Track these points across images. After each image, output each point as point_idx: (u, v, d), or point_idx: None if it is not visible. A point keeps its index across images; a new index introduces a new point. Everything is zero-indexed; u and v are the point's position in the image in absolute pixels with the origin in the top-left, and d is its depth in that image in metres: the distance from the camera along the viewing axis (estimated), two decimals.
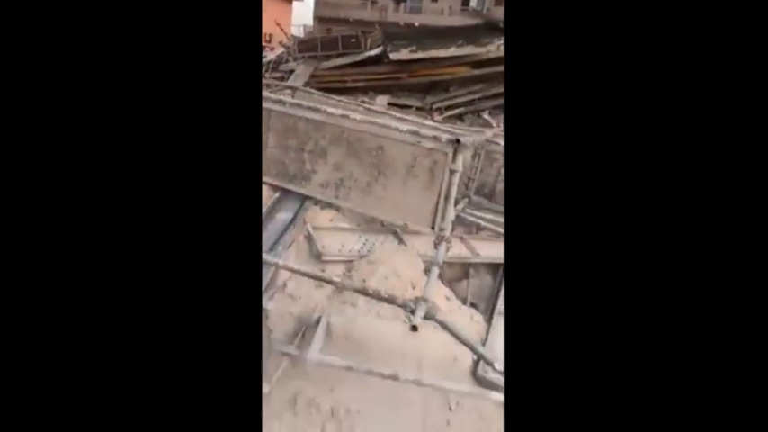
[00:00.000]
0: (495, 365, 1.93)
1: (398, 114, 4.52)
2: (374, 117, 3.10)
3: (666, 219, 0.90)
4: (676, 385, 0.87)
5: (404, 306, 1.94)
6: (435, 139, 2.73)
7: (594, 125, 0.94)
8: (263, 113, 2.97)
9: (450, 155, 2.67)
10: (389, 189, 2.91)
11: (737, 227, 0.87)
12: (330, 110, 2.97)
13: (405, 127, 2.84)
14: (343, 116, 2.95)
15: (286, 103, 3.04)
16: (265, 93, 3.28)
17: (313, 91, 5.42)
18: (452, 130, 4.15)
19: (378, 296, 2.00)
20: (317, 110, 2.96)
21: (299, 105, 3.04)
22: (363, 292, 2.06)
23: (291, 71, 12.52)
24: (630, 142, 0.92)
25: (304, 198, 3.18)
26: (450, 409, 2.33)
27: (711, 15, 0.90)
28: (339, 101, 5.06)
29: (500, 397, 2.21)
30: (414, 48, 11.73)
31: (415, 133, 2.77)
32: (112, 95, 0.93)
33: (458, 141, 2.61)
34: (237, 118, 1.00)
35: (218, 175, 0.97)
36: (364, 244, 3.16)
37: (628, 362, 0.89)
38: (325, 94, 5.36)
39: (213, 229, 0.96)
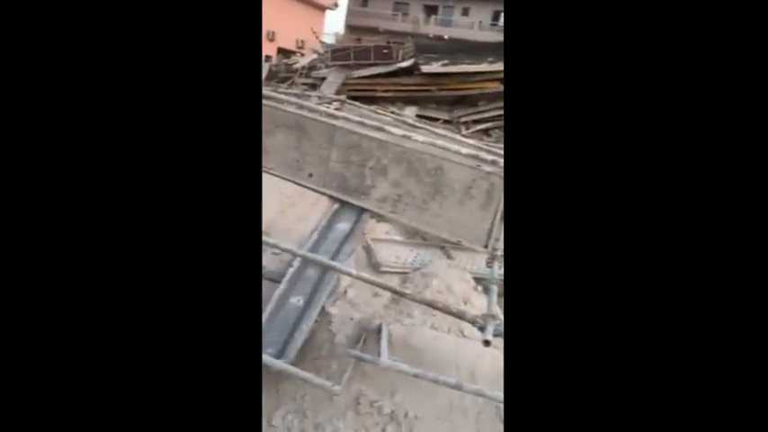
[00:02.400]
0: None
1: (446, 134, 4.71)
2: (434, 139, 3.28)
3: (669, 247, 0.88)
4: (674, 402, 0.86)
5: (473, 321, 2.10)
6: (494, 163, 2.91)
7: (594, 136, 0.93)
8: (328, 130, 3.18)
9: None
10: (446, 207, 3.08)
11: (737, 237, 0.85)
12: (393, 130, 3.16)
13: (465, 150, 3.02)
14: (405, 137, 3.13)
15: (351, 120, 3.25)
16: (330, 109, 3.49)
17: (359, 104, 5.63)
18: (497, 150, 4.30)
19: (447, 310, 2.16)
20: (380, 129, 3.15)
21: (362, 124, 3.24)
22: (432, 304, 2.23)
23: (323, 78, 12.81)
24: (633, 156, 0.90)
25: (361, 211, 3.37)
26: (502, 420, 2.47)
27: (709, 22, 0.88)
28: (376, 111, 5.29)
29: None
30: (446, 61, 11.94)
31: (475, 157, 2.95)
32: (112, 95, 0.95)
33: None
34: (238, 117, 1.00)
35: (220, 176, 0.98)
36: (416, 257, 3.33)
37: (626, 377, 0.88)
38: (370, 107, 5.59)
39: (214, 225, 0.97)
